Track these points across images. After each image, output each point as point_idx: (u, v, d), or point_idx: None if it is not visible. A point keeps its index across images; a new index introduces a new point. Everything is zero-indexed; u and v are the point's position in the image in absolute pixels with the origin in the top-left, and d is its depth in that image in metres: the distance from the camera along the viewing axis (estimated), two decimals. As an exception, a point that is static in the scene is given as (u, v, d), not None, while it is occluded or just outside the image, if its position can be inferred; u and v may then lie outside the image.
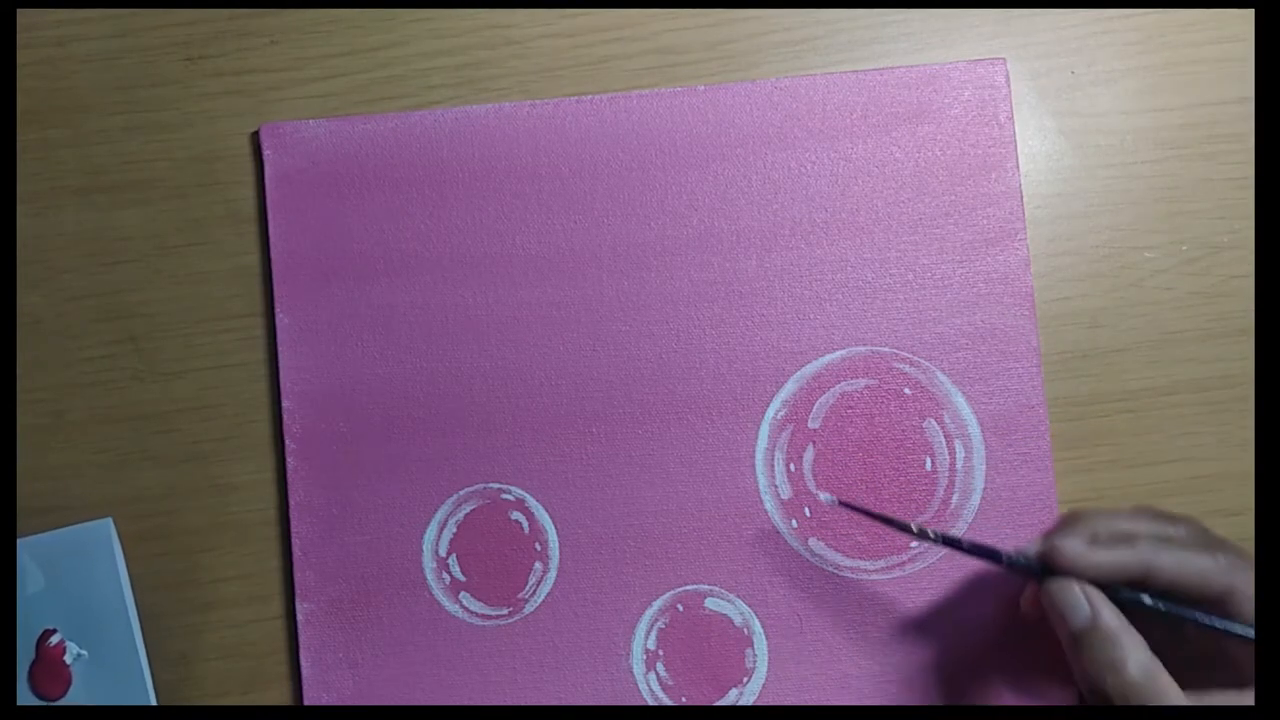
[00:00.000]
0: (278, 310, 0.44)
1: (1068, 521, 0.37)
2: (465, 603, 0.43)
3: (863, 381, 0.43)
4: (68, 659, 0.41)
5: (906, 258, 0.44)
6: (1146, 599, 0.35)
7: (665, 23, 0.45)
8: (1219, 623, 0.34)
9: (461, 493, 0.43)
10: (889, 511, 0.43)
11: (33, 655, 0.41)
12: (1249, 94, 0.44)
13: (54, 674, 0.41)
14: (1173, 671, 0.34)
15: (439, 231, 0.44)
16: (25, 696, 0.41)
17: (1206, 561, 0.34)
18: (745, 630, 0.43)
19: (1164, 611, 0.35)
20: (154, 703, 0.41)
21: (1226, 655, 0.36)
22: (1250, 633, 0.34)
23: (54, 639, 0.41)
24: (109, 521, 0.42)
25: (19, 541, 0.41)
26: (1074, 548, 0.35)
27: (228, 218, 0.44)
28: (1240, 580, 0.34)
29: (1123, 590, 0.35)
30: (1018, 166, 0.44)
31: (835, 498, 0.42)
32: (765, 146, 0.44)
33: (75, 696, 0.41)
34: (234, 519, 0.43)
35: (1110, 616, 0.35)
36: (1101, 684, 0.34)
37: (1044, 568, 0.37)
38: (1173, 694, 0.34)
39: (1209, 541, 0.35)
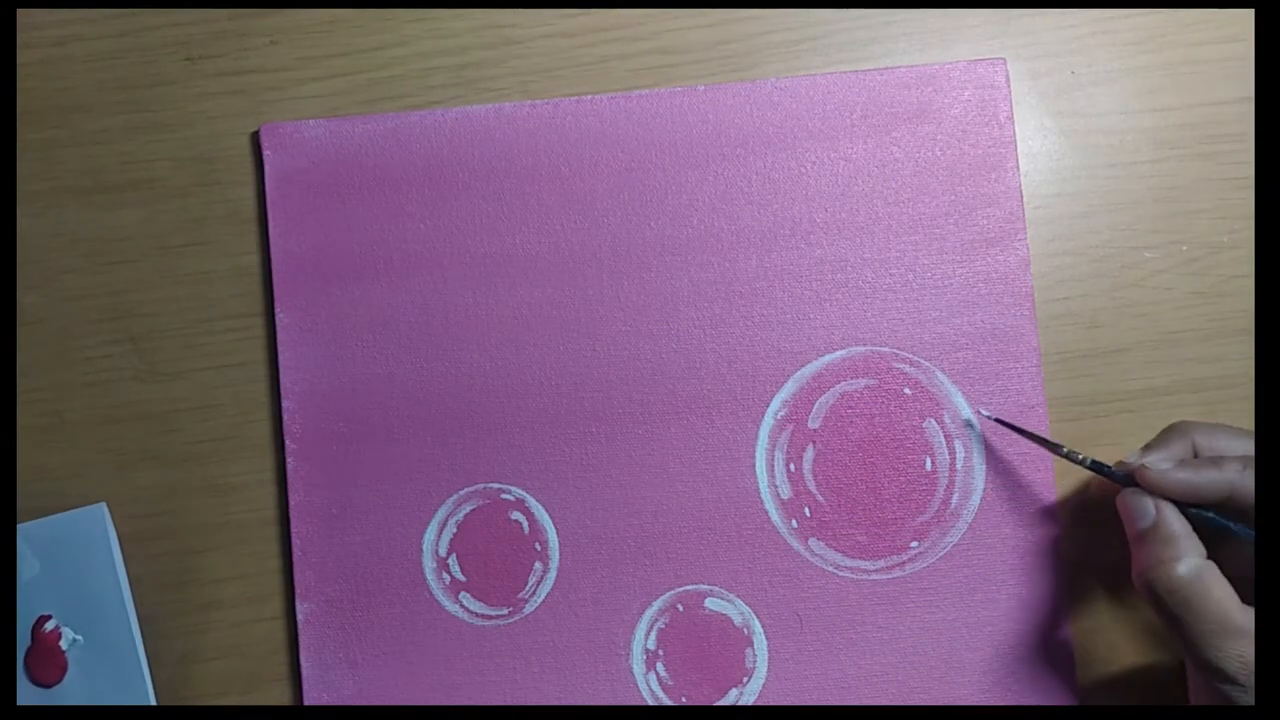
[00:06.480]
0: (278, 310, 0.44)
1: (1168, 434, 0.37)
2: (465, 603, 0.43)
3: (863, 381, 0.43)
4: (63, 645, 0.41)
5: (906, 258, 0.44)
6: (1216, 518, 0.35)
7: (665, 23, 0.45)
8: None
9: (461, 493, 0.43)
10: (889, 511, 0.43)
11: (28, 641, 0.41)
12: (1249, 94, 0.44)
13: (50, 660, 0.41)
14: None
15: (439, 231, 0.44)
16: (21, 683, 0.41)
17: None
18: (745, 630, 0.43)
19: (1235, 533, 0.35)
20: (150, 690, 0.41)
21: None
22: None
23: (49, 625, 0.41)
24: (103, 506, 0.42)
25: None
26: (1158, 465, 0.36)
27: (228, 218, 0.44)
28: None
29: (1193, 510, 0.36)
30: (1018, 166, 0.44)
31: (992, 414, 0.41)
32: (765, 146, 0.44)
33: (71, 682, 0.41)
34: (234, 519, 0.43)
35: (1171, 520, 0.35)
36: (1152, 579, 0.35)
37: (1128, 478, 0.38)
38: (1218, 598, 0.34)
39: None
